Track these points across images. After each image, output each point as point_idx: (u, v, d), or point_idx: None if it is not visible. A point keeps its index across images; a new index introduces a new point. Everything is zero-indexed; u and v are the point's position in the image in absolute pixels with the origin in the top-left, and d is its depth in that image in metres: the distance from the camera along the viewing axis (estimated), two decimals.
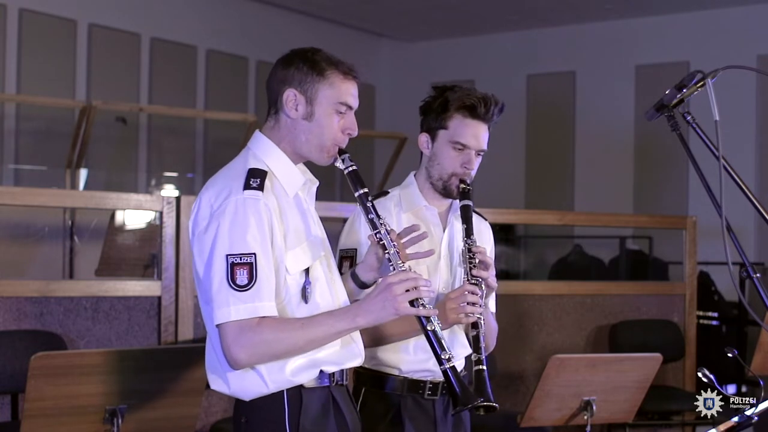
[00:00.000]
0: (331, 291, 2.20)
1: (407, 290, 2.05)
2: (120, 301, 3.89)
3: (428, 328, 2.11)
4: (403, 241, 2.26)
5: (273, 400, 2.10)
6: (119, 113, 7.84)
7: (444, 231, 2.65)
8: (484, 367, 2.40)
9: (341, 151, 2.21)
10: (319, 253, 2.19)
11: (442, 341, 2.12)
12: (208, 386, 2.98)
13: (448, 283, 2.60)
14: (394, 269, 2.15)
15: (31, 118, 7.63)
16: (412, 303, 2.07)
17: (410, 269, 2.15)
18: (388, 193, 2.67)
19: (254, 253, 2.03)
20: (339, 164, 2.22)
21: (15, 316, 3.66)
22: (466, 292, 2.42)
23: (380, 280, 2.12)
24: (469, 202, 2.59)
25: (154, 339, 3.94)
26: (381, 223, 2.20)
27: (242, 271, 2.01)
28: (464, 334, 2.63)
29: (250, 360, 2.03)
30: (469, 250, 2.49)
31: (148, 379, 2.87)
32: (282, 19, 9.61)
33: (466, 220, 2.56)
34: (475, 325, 2.43)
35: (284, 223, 2.11)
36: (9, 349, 3.50)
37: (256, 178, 2.10)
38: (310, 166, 2.31)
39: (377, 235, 2.20)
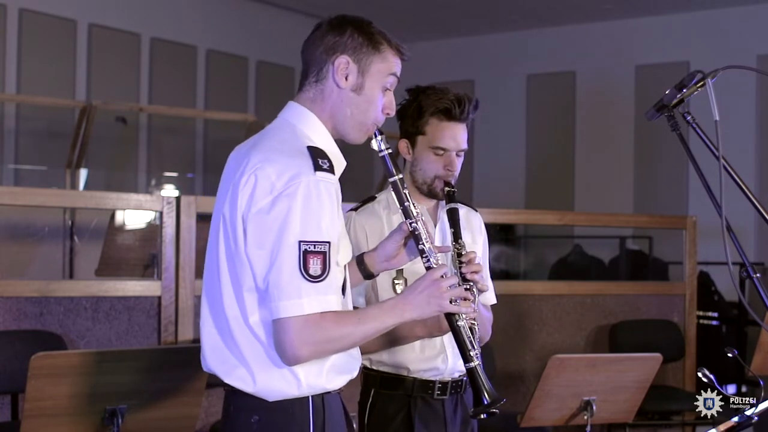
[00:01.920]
0: (347, 287, 2.11)
1: (449, 288, 1.99)
2: (120, 301, 3.89)
3: (459, 324, 2.05)
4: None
5: (297, 402, 1.95)
6: (119, 113, 7.85)
7: (435, 227, 2.66)
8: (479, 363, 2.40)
9: (377, 131, 2.08)
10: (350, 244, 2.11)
11: (472, 339, 2.08)
12: (208, 386, 2.99)
13: None
14: (428, 261, 2.07)
15: (31, 118, 7.64)
16: (450, 301, 2.00)
17: (439, 261, 2.09)
18: (376, 197, 2.67)
19: (329, 242, 1.87)
20: (375, 145, 2.09)
21: (15, 316, 3.66)
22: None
23: (423, 275, 2.02)
24: (455, 205, 2.58)
25: (154, 339, 3.94)
26: (417, 212, 2.11)
27: (316, 260, 1.85)
28: None
29: (311, 356, 1.88)
30: (459, 255, 2.48)
31: (148, 379, 2.87)
32: (282, 19, 9.62)
33: (454, 224, 2.55)
34: (470, 330, 2.43)
35: (339, 212, 1.97)
36: (9, 349, 3.50)
37: (324, 159, 1.91)
38: None
39: (411, 225, 2.10)
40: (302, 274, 1.84)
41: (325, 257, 1.86)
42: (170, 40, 8.71)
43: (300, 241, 1.84)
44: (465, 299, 2.30)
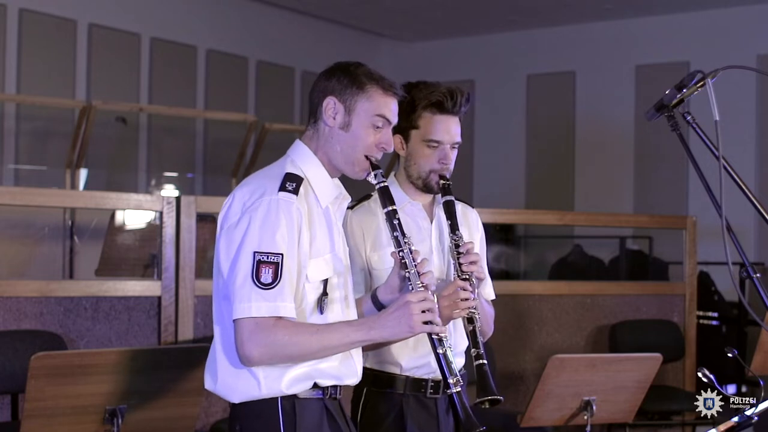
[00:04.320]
0: (343, 311, 2.23)
1: (423, 311, 2.08)
2: (120, 301, 3.89)
3: (439, 351, 2.14)
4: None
5: (268, 408, 2.11)
6: (119, 113, 7.83)
7: (432, 223, 2.66)
8: (485, 361, 2.42)
9: (375, 166, 2.24)
10: (339, 269, 2.22)
11: (452, 365, 2.15)
12: None
13: (443, 274, 2.62)
14: (413, 288, 2.17)
15: (31, 118, 7.63)
16: (425, 322, 2.09)
17: (428, 290, 2.17)
18: (372, 195, 2.67)
19: (281, 254, 2.05)
20: (371, 179, 2.25)
21: (15, 316, 3.66)
22: (458, 288, 2.42)
23: (398, 297, 2.15)
24: (451, 198, 2.60)
25: (154, 339, 3.94)
26: (405, 242, 2.22)
27: (267, 269, 2.03)
28: (461, 324, 2.64)
29: (262, 359, 2.04)
30: (456, 246, 2.50)
31: (148, 379, 2.87)
32: (282, 19, 9.61)
33: (450, 216, 2.57)
34: (470, 320, 2.45)
35: (312, 232, 2.14)
36: (9, 349, 3.50)
37: (292, 182, 2.13)
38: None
39: (400, 253, 2.22)
40: (254, 281, 2.03)
41: (277, 267, 2.04)
42: (170, 40, 8.70)
43: (255, 252, 2.05)
44: (464, 290, 2.43)
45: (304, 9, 9.57)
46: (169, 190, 8.24)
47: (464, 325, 2.50)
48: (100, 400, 2.77)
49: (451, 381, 2.13)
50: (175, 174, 8.54)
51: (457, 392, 2.14)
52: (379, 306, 2.33)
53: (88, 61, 8.11)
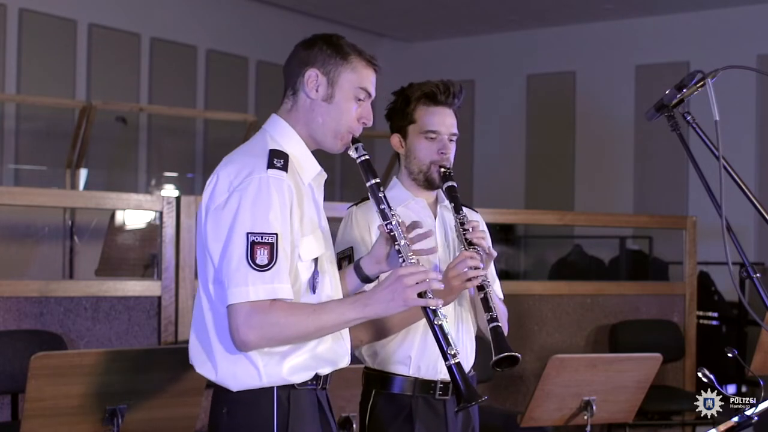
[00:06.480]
0: (331, 284, 2.19)
1: (417, 283, 2.03)
2: (120, 301, 3.89)
3: (435, 322, 2.08)
4: (410, 236, 2.21)
5: (262, 395, 2.05)
6: (119, 113, 7.84)
7: (435, 220, 2.66)
8: (499, 323, 2.41)
9: (355, 140, 2.18)
10: (328, 244, 2.19)
11: (449, 336, 2.10)
12: (208, 386, 2.99)
13: None
14: (404, 261, 2.12)
15: (31, 118, 7.64)
16: (420, 295, 2.04)
17: (419, 262, 2.13)
18: None
19: (276, 234, 1.98)
20: (352, 153, 2.19)
21: (15, 316, 3.66)
22: (466, 258, 2.41)
23: (390, 271, 2.08)
24: (453, 183, 2.60)
25: (154, 339, 3.94)
26: (392, 214, 2.17)
27: (263, 250, 1.96)
28: (471, 326, 2.64)
29: (259, 342, 1.98)
30: (462, 224, 2.51)
31: (148, 379, 2.87)
32: (282, 19, 9.61)
33: (453, 199, 2.57)
34: (481, 288, 2.43)
35: (302, 209, 2.08)
36: (9, 349, 3.50)
37: (279, 159, 2.05)
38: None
39: (388, 226, 2.17)
40: (249, 263, 1.96)
41: (272, 248, 1.97)
42: (170, 40, 8.71)
43: (248, 233, 1.97)
44: (472, 259, 2.40)
45: (305, 9, 9.57)
46: (169, 190, 8.24)
47: (476, 294, 2.49)
48: (100, 400, 2.77)
49: (449, 352, 2.08)
50: (175, 174, 8.54)
51: (456, 363, 2.09)
52: (363, 276, 2.29)
53: (88, 61, 8.11)
